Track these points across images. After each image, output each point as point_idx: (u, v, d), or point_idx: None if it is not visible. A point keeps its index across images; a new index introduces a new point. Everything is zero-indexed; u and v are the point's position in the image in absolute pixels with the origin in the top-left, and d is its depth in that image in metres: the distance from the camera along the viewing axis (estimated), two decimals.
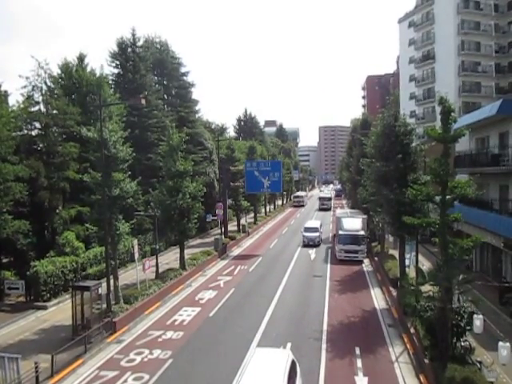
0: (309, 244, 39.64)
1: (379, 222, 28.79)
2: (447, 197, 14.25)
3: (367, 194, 27.52)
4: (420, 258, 23.04)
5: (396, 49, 77.79)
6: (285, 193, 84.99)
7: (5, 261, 26.76)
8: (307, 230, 41.48)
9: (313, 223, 43.89)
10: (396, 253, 26.44)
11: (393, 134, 23.02)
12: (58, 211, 28.48)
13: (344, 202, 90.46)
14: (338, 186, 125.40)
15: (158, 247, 28.46)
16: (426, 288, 15.04)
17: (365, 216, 36.13)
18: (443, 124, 14.53)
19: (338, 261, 33.00)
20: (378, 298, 23.46)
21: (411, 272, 22.54)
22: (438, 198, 14.64)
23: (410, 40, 65.20)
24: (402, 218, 17.37)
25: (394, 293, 22.20)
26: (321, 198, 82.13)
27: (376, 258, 31.48)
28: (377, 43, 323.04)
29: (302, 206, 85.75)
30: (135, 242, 23.90)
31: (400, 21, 69.12)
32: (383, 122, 23.92)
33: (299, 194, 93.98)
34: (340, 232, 34.59)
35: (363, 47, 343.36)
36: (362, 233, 34.24)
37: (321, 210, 75.74)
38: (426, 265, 27.45)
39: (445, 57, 56.55)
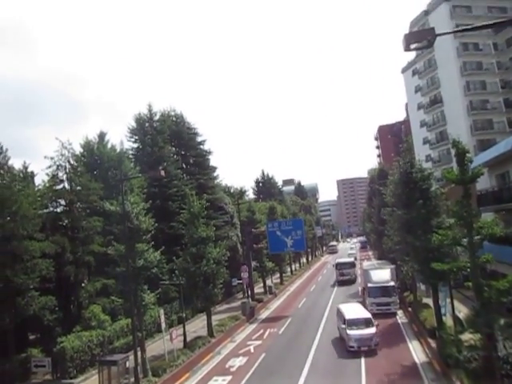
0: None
1: (408, 271, 27.99)
2: (475, 238, 13.92)
3: (392, 243, 27.05)
4: (456, 304, 22.08)
5: (403, 96, 79.40)
6: (309, 250, 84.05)
7: (32, 337, 26.64)
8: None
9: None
10: (430, 301, 25.39)
11: (411, 181, 23.00)
12: (83, 285, 28.65)
13: (370, 253, 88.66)
14: (363, 238, 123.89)
15: (184, 315, 28.03)
16: (467, 336, 14.30)
17: (393, 266, 35.21)
18: (459, 165, 14.53)
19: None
20: (416, 351, 22.24)
21: (448, 320, 21.51)
22: (465, 241, 14.29)
23: (415, 87, 66.70)
24: (431, 264, 16.92)
25: (433, 344, 21.04)
26: (339, 266, 51.64)
27: (410, 309, 30.24)
28: (384, 93, 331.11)
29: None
30: (161, 311, 23.66)
31: (403, 70, 71.14)
32: (400, 170, 24.02)
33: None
34: (369, 285, 33.59)
35: (371, 98, 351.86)
36: (392, 283, 33.18)
37: (340, 284, 49.35)
38: (462, 311, 26.12)
39: (452, 99, 57.40)
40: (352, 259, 56.39)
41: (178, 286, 27.90)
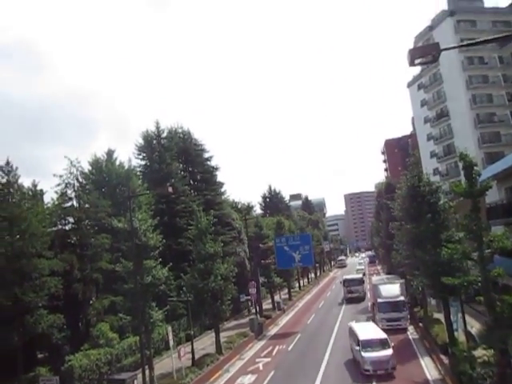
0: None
1: (418, 286, 27.67)
2: (485, 252, 13.77)
3: (401, 257, 26.82)
4: (467, 319, 21.70)
5: (409, 110, 79.49)
6: (317, 265, 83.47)
7: (40, 356, 26.56)
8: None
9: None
10: (441, 316, 25.02)
11: (418, 195, 22.90)
12: (91, 302, 28.64)
13: (379, 267, 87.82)
14: (371, 252, 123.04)
15: (192, 333, 27.83)
16: (480, 352, 14.02)
17: (402, 280, 34.80)
18: (467, 179, 14.46)
19: None
20: (428, 368, 21.80)
21: (460, 336, 21.12)
22: (475, 255, 14.14)
23: (421, 101, 66.82)
24: (442, 278, 16.72)
25: (446, 360, 20.64)
26: (346, 283, 49.01)
27: (420, 324, 29.79)
28: (390, 107, 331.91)
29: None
30: (169, 328, 23.54)
31: (409, 85, 71.38)
32: (407, 183, 23.95)
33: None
34: (379, 300, 33.18)
35: (378, 112, 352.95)
36: (402, 298, 32.76)
37: (349, 302, 46.93)
38: (475, 326, 25.67)
39: (459, 112, 57.40)
40: (360, 275, 53.93)
41: (186, 303, 27.77)
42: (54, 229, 29.09)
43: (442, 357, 21.40)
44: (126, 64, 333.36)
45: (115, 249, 27.80)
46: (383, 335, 22.34)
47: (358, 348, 21.69)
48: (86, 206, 30.26)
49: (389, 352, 20.84)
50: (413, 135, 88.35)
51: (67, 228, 30.36)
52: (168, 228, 33.99)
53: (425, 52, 7.29)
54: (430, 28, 61.91)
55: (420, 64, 7.43)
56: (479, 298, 14.25)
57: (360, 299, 47.03)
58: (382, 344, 21.39)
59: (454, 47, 8.94)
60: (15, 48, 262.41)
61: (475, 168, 14.43)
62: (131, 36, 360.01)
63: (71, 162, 30.18)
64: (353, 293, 47.66)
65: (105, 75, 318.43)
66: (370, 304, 42.57)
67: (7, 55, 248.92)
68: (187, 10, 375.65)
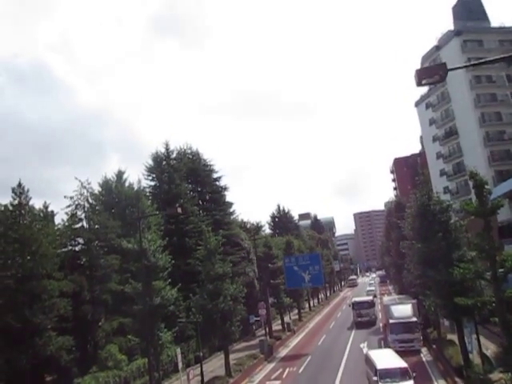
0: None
1: (431, 306, 27.21)
2: (498, 271, 13.55)
3: (413, 277, 26.47)
4: (482, 340, 21.23)
5: (417, 128, 79.56)
6: (327, 285, 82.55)
7: (48, 379, 26.34)
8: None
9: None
10: (455, 338, 24.47)
11: (429, 214, 22.73)
12: (100, 324, 28.50)
13: (390, 287, 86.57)
14: (382, 272, 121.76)
15: (201, 354, 27.50)
16: (497, 376, 13.67)
17: (414, 301, 34.23)
18: (478, 197, 14.36)
19: None
20: None
21: (476, 358, 20.62)
22: (488, 274, 13.92)
23: (429, 120, 66.76)
24: (455, 299, 16.44)
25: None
26: (356, 306, 45.84)
27: (434, 346, 29.16)
28: (397, 125, 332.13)
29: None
30: (178, 350, 23.27)
31: (417, 104, 71.53)
32: (417, 202, 23.81)
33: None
34: (391, 321, 32.61)
35: (385, 131, 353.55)
36: (415, 319, 32.14)
37: (359, 327, 43.63)
38: (490, 348, 25.08)
39: (468, 131, 57.20)
40: (371, 298, 48.95)
41: (195, 324, 27.54)
42: (64, 250, 29.23)
43: (457, 380, 20.84)
44: (136, 85, 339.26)
45: (124, 270, 27.79)
46: (403, 364, 19.91)
47: (375, 378, 19.21)
48: (96, 226, 30.42)
49: (410, 383, 18.43)
50: (422, 153, 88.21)
51: (77, 249, 30.48)
52: (177, 248, 33.97)
53: (432, 72, 7.34)
54: (437, 48, 62.32)
55: (427, 84, 7.47)
56: (494, 318, 13.93)
57: (371, 323, 44.29)
58: (402, 374, 18.96)
59: (461, 67, 8.99)
60: (30, 72, 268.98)
61: (486, 186, 14.32)
62: (140, 59, 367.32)
63: (82, 184, 30.50)
64: (363, 316, 44.68)
65: (116, 97, 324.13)
66: (381, 325, 41.85)
67: (22, 79, 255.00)
68: (197, 36, 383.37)
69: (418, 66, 57.94)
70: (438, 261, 21.48)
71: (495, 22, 63.31)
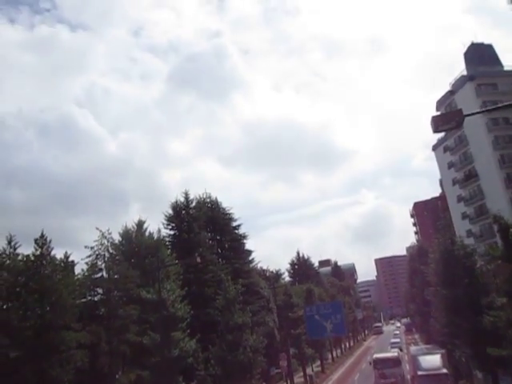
0: None
1: (461, 356, 25.93)
2: None
3: (440, 325, 25.45)
4: None
5: (436, 172, 79.10)
6: (350, 334, 79.74)
7: None
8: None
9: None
10: None
11: (453, 258, 22.23)
12: (117, 377, 27.79)
13: (416, 336, 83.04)
14: (407, 320, 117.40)
15: None
16: None
17: (443, 351, 32.57)
18: (504, 241, 14.02)
19: None
20: None
21: None
22: None
23: (448, 163, 66.51)
24: (487, 349, 15.66)
25: None
26: (378, 365, 34.85)
27: None
28: (414, 167, 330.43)
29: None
30: None
31: (434, 148, 71.60)
32: (440, 247, 23.34)
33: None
34: (419, 373, 30.88)
35: (403, 174, 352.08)
36: (445, 371, 30.46)
37: None
38: None
39: (488, 173, 56.71)
40: (395, 354, 37.77)
41: (214, 377, 26.70)
42: (84, 300, 29.09)
43: None
44: (157, 135, 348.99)
45: (143, 320, 27.40)
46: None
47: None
48: (116, 276, 30.35)
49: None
50: (442, 197, 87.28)
51: (96, 299, 30.30)
52: (196, 298, 33.48)
53: (448, 119, 7.39)
54: (451, 92, 63.07)
55: (444, 130, 7.51)
56: None
57: None
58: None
59: (477, 112, 9.05)
60: (55, 126, 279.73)
61: (511, 230, 13.98)
62: (160, 110, 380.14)
63: (102, 234, 30.77)
64: (387, 378, 34.55)
65: (137, 147, 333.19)
66: (409, 377, 39.77)
67: (47, 133, 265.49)
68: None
69: (434, 112, 58.48)
70: (465, 308, 20.75)
71: (508, 65, 63.64)
